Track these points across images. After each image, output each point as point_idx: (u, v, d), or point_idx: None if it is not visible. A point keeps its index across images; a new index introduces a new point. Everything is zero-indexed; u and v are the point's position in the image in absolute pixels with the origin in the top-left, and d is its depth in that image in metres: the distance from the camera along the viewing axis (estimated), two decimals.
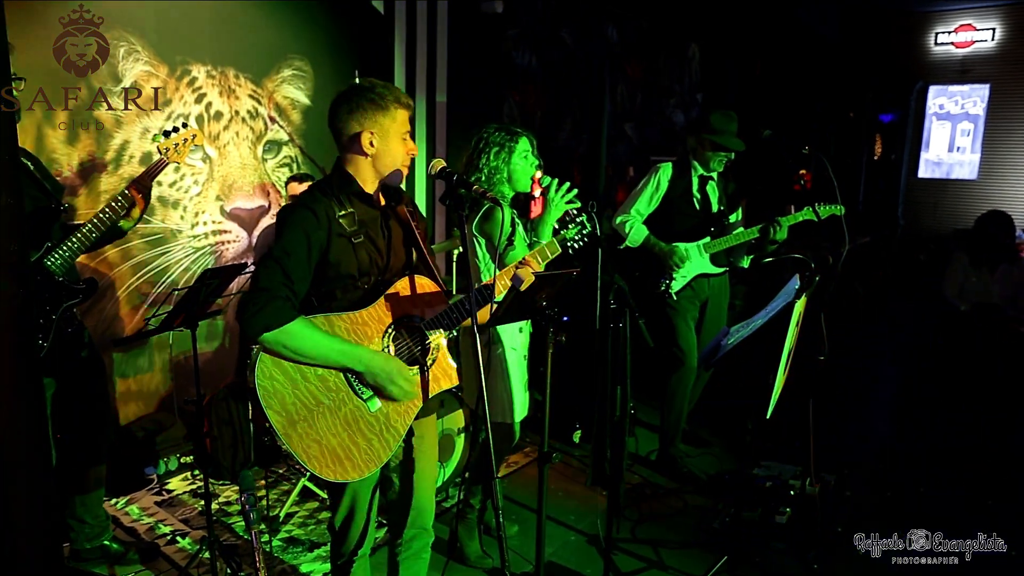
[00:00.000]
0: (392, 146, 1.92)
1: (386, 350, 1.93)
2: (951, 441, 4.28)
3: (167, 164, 2.61)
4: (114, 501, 3.36)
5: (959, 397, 4.50)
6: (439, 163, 1.88)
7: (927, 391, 4.90)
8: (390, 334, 1.94)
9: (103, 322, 3.56)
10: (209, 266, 3.97)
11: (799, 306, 2.35)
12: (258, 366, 1.82)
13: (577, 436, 4.16)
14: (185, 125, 2.67)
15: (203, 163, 3.88)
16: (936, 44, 8.78)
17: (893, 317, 7.10)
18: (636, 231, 3.63)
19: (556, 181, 2.42)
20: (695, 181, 3.66)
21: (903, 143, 9.17)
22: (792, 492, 3.30)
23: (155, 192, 3.70)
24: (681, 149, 3.75)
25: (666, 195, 3.65)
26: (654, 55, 8.05)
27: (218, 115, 3.92)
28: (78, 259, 3.25)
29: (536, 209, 5.90)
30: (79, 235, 2.32)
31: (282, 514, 3.24)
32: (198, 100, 3.82)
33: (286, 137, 4.30)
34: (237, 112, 4.02)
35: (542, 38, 6.40)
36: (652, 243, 3.62)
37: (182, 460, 3.66)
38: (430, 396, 1.99)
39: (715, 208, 3.71)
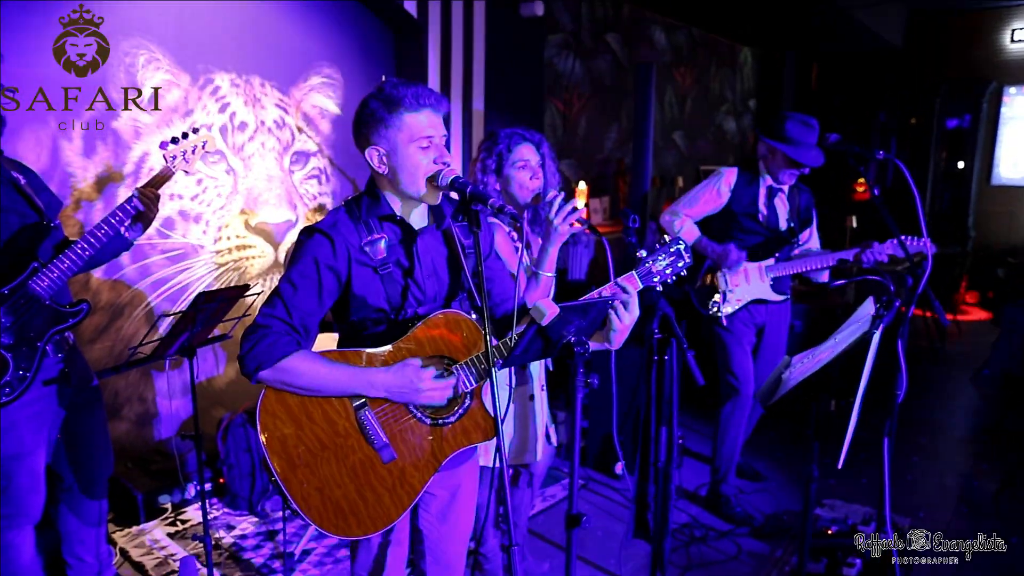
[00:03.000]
0: (404, 161, 1.64)
1: None
2: None
3: (174, 173, 2.42)
4: (125, 532, 3.19)
5: None
6: (451, 172, 1.62)
7: (1014, 423, 4.43)
8: None
9: (120, 342, 3.42)
10: (233, 283, 3.81)
11: (876, 337, 2.02)
12: (261, 402, 1.63)
13: (619, 468, 3.84)
14: (196, 130, 2.47)
15: (227, 175, 3.72)
16: (1012, 41, 8.18)
17: (972, 340, 6.57)
18: (687, 231, 3.26)
19: (559, 199, 1.97)
20: (762, 191, 3.26)
21: (974, 149, 8.56)
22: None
23: (176, 206, 3.56)
24: (751, 154, 3.36)
25: (727, 205, 3.25)
26: (704, 61, 7.70)
27: (243, 125, 3.76)
28: (94, 275, 3.12)
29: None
30: (70, 255, 2.14)
31: (298, 551, 3.01)
32: (221, 110, 3.66)
33: (315, 148, 4.12)
34: (263, 122, 3.85)
35: (586, 43, 6.13)
36: (704, 244, 3.25)
37: (199, 489, 3.47)
38: (458, 450, 1.73)
39: (782, 226, 3.31)
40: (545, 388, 2.43)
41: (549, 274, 2.05)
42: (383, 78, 4.21)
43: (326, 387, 1.64)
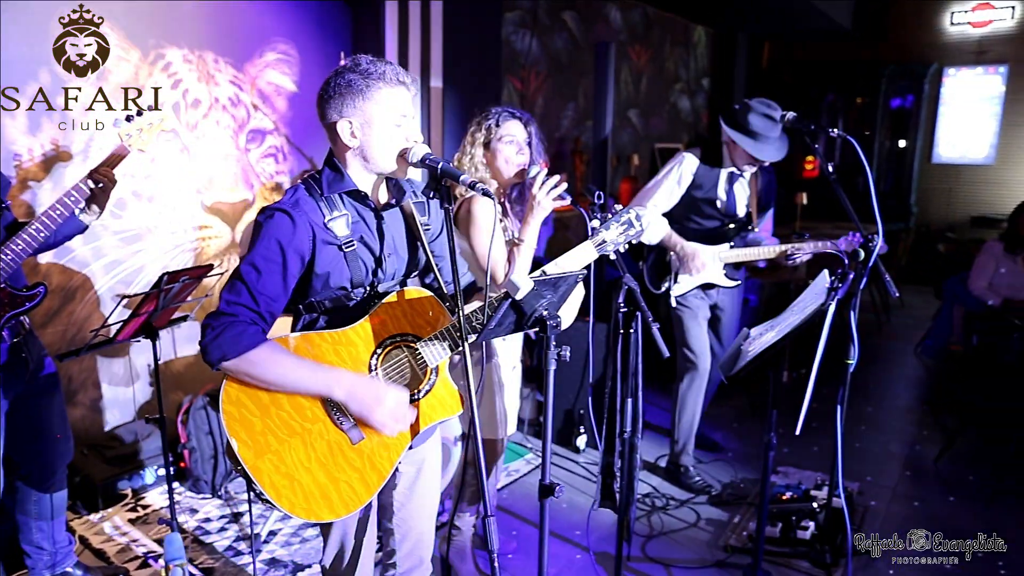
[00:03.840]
0: (379, 135, 1.62)
1: (374, 374, 1.67)
2: (985, 446, 4.04)
3: (129, 152, 2.36)
4: (84, 519, 3.13)
5: (994, 399, 4.24)
6: (422, 149, 1.62)
7: (955, 392, 4.65)
8: (379, 355, 1.68)
9: (73, 326, 3.32)
10: (189, 264, 3.73)
11: (832, 309, 2.10)
12: (224, 390, 1.58)
13: (582, 442, 3.92)
14: (151, 108, 2.41)
15: (181, 153, 3.63)
16: (952, 24, 8.46)
17: (914, 313, 6.84)
18: (655, 226, 3.25)
19: (542, 174, 2.04)
20: (723, 177, 3.27)
21: (916, 128, 8.87)
22: (815, 504, 3.06)
23: (129, 186, 3.46)
24: (705, 133, 3.41)
25: (687, 190, 3.27)
26: (659, 39, 7.76)
27: (196, 102, 3.66)
28: (44, 257, 3.02)
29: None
30: (24, 236, 2.08)
31: (264, 532, 3.01)
32: (174, 87, 3.56)
33: (271, 125, 4.04)
34: (217, 99, 3.76)
35: (543, 21, 6.12)
36: (674, 241, 3.28)
37: (159, 473, 3.42)
38: (423, 428, 1.72)
39: (740, 212, 3.34)
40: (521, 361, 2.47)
41: (531, 247, 2.09)
42: (341, 55, 4.15)
43: (289, 384, 1.59)
